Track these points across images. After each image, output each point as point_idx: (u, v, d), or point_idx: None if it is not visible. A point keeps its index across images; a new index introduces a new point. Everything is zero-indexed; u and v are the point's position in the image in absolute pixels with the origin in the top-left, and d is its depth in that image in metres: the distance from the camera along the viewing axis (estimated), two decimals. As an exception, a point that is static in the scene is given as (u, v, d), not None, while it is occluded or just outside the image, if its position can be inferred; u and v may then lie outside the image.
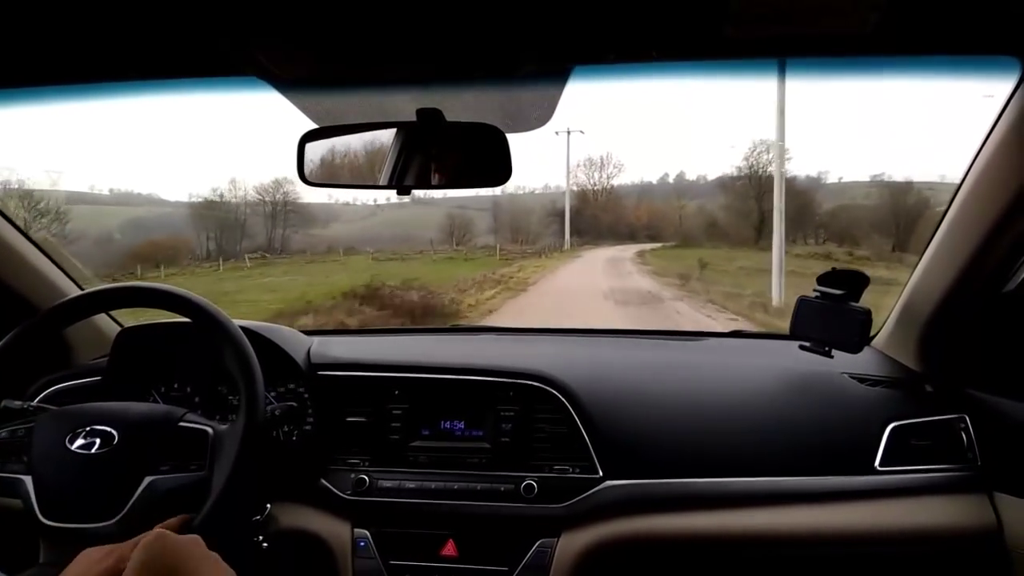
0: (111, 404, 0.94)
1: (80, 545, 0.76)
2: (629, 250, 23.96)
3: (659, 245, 25.65)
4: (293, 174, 0.97)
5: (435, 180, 0.97)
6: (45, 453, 0.87)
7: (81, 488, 0.85)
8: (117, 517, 0.82)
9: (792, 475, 1.11)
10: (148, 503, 0.83)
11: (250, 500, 1.10)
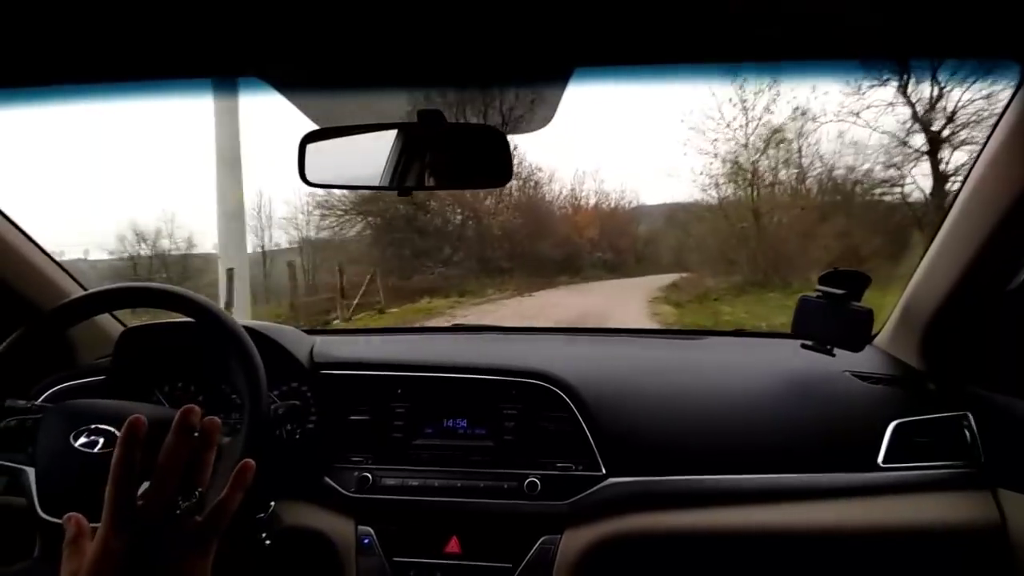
0: (118, 403, 0.95)
1: None
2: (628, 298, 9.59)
3: (676, 276, 10.86)
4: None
5: (435, 181, 0.97)
6: (49, 447, 0.88)
7: (80, 487, 0.84)
8: None
9: (795, 472, 1.11)
10: None
11: (252, 500, 1.10)
